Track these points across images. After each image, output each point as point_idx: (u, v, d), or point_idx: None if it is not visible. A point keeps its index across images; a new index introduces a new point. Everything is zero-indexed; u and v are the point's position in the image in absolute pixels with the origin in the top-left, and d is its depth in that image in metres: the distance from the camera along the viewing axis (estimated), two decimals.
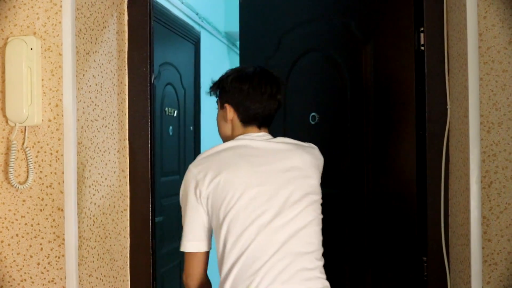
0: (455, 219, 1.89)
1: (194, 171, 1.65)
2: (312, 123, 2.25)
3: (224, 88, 1.77)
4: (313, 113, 2.23)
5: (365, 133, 2.08)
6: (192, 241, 1.66)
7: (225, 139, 1.80)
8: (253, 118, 1.75)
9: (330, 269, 1.66)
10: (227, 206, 1.59)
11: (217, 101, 1.82)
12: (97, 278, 1.87)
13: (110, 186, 1.96)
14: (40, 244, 1.73)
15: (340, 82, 2.17)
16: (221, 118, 1.81)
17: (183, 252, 1.66)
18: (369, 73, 2.10)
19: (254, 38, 2.49)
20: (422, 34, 2.01)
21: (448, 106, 1.93)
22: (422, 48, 2.00)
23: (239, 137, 1.73)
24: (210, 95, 1.85)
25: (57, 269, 1.73)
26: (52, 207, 1.72)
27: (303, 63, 2.32)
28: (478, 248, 1.71)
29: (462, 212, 1.80)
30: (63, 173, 1.72)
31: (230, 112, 1.75)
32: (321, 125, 2.25)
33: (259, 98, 1.73)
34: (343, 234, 2.16)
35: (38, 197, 1.73)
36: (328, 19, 2.30)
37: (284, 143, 1.69)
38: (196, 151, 3.32)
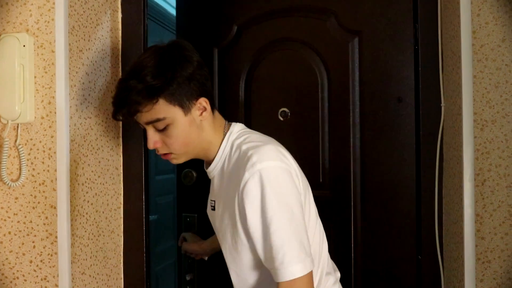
0: (448, 217, 1.89)
1: (288, 161, 1.41)
2: (281, 119, 2.12)
3: (179, 87, 1.44)
4: (283, 109, 2.10)
5: (352, 131, 2.05)
6: (308, 257, 1.36)
7: (196, 149, 1.53)
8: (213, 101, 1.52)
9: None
10: (310, 203, 1.47)
11: (159, 118, 1.45)
12: (90, 276, 1.86)
13: (103, 184, 1.95)
14: (33, 242, 1.73)
15: (319, 76, 2.11)
16: (189, 125, 1.48)
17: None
18: (356, 68, 2.07)
19: (202, 23, 2.29)
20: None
21: (442, 104, 1.93)
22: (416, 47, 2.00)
23: (246, 129, 1.55)
24: (128, 117, 1.49)
25: (50, 266, 1.72)
26: (45, 205, 1.72)
27: (275, 54, 2.17)
28: (471, 246, 1.71)
29: (456, 210, 1.80)
30: (56, 170, 1.71)
31: (207, 105, 1.49)
32: (292, 122, 2.13)
33: (203, 69, 1.48)
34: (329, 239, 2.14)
35: (31, 195, 1.72)
36: (308, 6, 2.15)
37: None
38: None
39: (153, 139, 1.49)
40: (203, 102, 1.49)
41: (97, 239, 1.91)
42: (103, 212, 1.95)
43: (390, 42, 2.02)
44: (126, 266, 2.11)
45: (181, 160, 1.55)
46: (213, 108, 1.53)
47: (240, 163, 1.42)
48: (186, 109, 1.47)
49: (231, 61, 2.18)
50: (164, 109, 1.44)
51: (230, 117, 2.10)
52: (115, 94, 1.49)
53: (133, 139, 2.10)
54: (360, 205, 2.04)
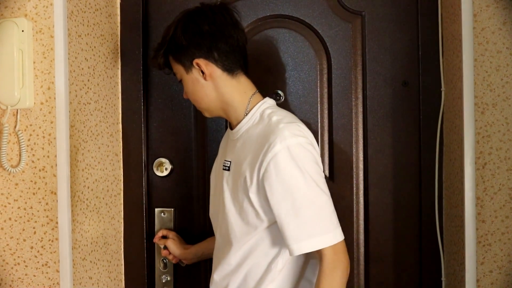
0: (449, 201, 1.90)
1: (309, 138, 1.50)
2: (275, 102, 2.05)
3: (181, 45, 1.55)
4: (278, 91, 1.93)
5: (354, 117, 2.03)
6: (339, 227, 1.48)
7: (212, 107, 1.61)
8: (236, 61, 1.57)
9: None
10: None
11: (172, 73, 1.65)
12: (91, 261, 1.86)
13: (103, 170, 1.95)
14: (33, 228, 1.73)
15: (317, 58, 2.05)
16: (192, 83, 1.58)
17: None
18: (359, 51, 2.04)
19: None
20: None
21: (443, 89, 1.93)
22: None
23: (277, 107, 1.62)
24: (162, 68, 1.65)
25: (51, 252, 1.72)
26: (45, 191, 1.71)
27: (268, 32, 2.07)
28: (472, 229, 1.71)
29: (456, 194, 1.80)
30: (55, 156, 1.70)
31: (205, 68, 1.55)
32: (285, 105, 2.02)
33: (230, 30, 1.56)
34: None
35: (31, 181, 1.72)
36: None
37: None
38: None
39: (184, 89, 1.65)
40: (202, 64, 1.55)
41: (97, 225, 1.91)
42: (103, 198, 1.95)
43: (395, 24, 2.00)
44: (126, 252, 2.12)
45: (207, 114, 1.67)
46: (220, 64, 1.56)
47: (268, 132, 1.48)
48: (186, 68, 1.58)
49: None
50: (174, 65, 1.61)
51: None
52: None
53: (133, 125, 2.09)
54: (363, 191, 2.04)
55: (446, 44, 1.91)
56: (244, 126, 1.60)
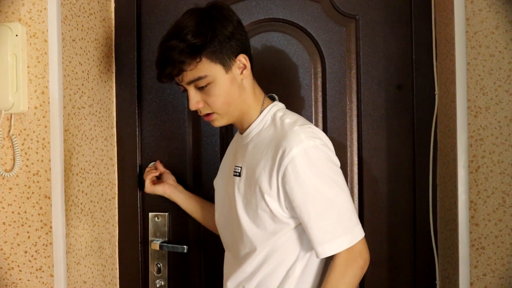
0: (443, 204, 1.90)
1: (323, 139, 1.50)
2: None
3: (220, 45, 1.47)
4: (271, 94, 1.93)
5: (349, 121, 2.04)
6: (359, 224, 1.49)
7: (236, 110, 1.55)
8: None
9: None
10: None
11: (200, 66, 1.47)
12: (85, 266, 1.86)
13: (97, 174, 1.95)
14: (28, 232, 1.72)
15: (311, 62, 2.05)
16: (229, 84, 1.50)
17: None
18: (353, 54, 2.04)
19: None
20: None
21: (436, 92, 1.93)
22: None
23: (287, 110, 1.61)
24: (176, 75, 1.50)
25: (45, 257, 1.72)
26: (39, 195, 1.71)
27: (262, 35, 2.07)
28: (465, 232, 1.71)
29: (450, 197, 1.81)
30: (50, 160, 1.70)
31: (247, 63, 1.52)
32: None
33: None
34: None
35: (25, 185, 1.72)
36: None
37: None
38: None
39: (195, 99, 1.51)
40: (243, 58, 1.52)
41: (92, 229, 1.91)
42: (97, 202, 1.95)
43: (389, 28, 2.00)
44: (121, 257, 2.12)
45: (222, 121, 1.56)
46: (253, 71, 1.57)
47: (283, 135, 1.47)
48: (227, 66, 1.49)
49: None
50: (206, 67, 1.46)
51: None
52: (158, 56, 1.51)
53: (127, 129, 2.09)
54: (357, 195, 2.04)
55: (439, 48, 1.92)
56: (255, 129, 1.58)
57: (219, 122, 1.57)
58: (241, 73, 1.54)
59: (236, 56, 1.51)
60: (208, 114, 1.55)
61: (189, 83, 1.50)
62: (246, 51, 1.54)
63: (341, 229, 1.45)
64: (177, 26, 1.50)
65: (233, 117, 1.58)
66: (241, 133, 1.64)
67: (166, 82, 1.55)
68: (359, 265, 1.47)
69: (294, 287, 1.53)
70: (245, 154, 1.58)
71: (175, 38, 1.46)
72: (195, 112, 1.60)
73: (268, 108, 1.59)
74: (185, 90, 1.54)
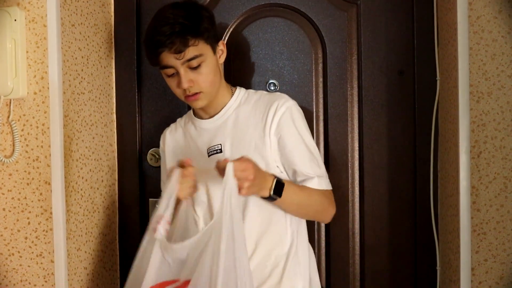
0: (444, 190, 1.90)
1: None
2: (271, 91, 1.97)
3: (210, 28, 1.59)
4: (272, 81, 1.94)
5: (350, 107, 2.03)
6: None
7: (216, 91, 1.63)
8: None
9: None
10: None
11: (198, 47, 1.55)
12: (85, 252, 1.86)
13: (97, 160, 1.94)
14: (28, 218, 1.72)
15: (312, 47, 2.04)
16: (216, 66, 1.61)
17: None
18: (354, 40, 2.03)
19: None
20: None
21: (438, 78, 1.93)
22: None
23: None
24: (178, 52, 1.53)
25: (45, 243, 1.72)
26: (39, 181, 1.71)
27: (263, 21, 2.05)
28: (467, 218, 1.71)
29: (451, 183, 1.80)
30: (49, 146, 1.70)
31: (224, 49, 1.66)
32: None
33: None
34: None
35: (25, 171, 1.71)
36: None
37: None
38: None
39: (187, 77, 1.56)
40: (221, 45, 1.64)
41: (92, 215, 1.91)
42: (97, 188, 1.94)
43: (390, 13, 1.99)
44: (121, 243, 2.11)
45: (205, 101, 1.62)
46: None
47: (269, 99, 1.63)
48: (214, 49, 1.61)
49: None
50: (202, 47, 1.56)
51: None
52: (161, 35, 1.52)
53: (127, 115, 2.09)
54: (358, 181, 2.03)
55: (441, 33, 1.91)
56: (231, 107, 1.67)
57: (202, 102, 1.62)
58: (219, 57, 1.65)
59: (217, 41, 1.63)
60: (194, 94, 1.59)
61: (186, 61, 1.55)
62: (221, 38, 1.69)
63: (323, 172, 1.62)
64: (166, 13, 1.56)
65: (211, 98, 1.63)
66: (210, 117, 1.68)
67: (157, 65, 1.60)
68: (331, 211, 1.64)
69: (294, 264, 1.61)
70: (225, 130, 1.65)
71: (171, 22, 1.53)
72: None
73: (239, 89, 1.71)
74: (172, 75, 1.59)
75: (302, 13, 2.03)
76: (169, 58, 1.54)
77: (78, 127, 1.81)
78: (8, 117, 1.70)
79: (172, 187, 1.52)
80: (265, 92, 1.70)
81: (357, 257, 2.07)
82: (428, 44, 1.96)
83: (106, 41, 2.03)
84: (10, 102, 1.70)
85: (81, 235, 1.84)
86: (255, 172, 1.43)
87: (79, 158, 1.82)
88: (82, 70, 1.85)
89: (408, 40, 2.00)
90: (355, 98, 2.03)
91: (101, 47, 1.98)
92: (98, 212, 1.95)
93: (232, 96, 1.69)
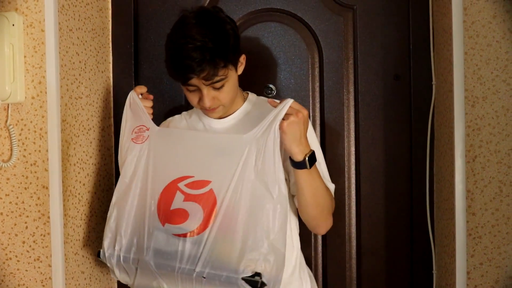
0: (440, 194, 1.91)
1: None
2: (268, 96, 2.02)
3: (236, 45, 1.56)
4: (268, 85, 1.95)
5: (346, 111, 2.04)
6: None
7: (233, 101, 1.65)
8: None
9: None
10: None
11: (226, 69, 1.53)
12: (83, 256, 1.86)
13: (95, 165, 1.95)
14: (25, 223, 1.72)
15: (309, 52, 2.05)
16: (236, 81, 1.62)
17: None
18: (350, 44, 2.04)
19: None
20: None
21: (434, 82, 1.94)
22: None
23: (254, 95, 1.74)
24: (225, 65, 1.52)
25: (43, 247, 1.72)
26: (37, 185, 1.71)
27: (259, 26, 2.07)
28: (462, 222, 1.72)
29: (447, 187, 1.81)
30: (47, 150, 1.70)
31: (244, 62, 1.65)
32: (277, 98, 1.94)
33: None
34: None
35: (23, 175, 1.71)
36: None
37: None
38: None
39: (210, 96, 1.56)
40: (242, 59, 1.63)
41: (89, 220, 1.91)
42: (95, 193, 1.95)
43: (386, 18, 2.00)
44: None
45: (222, 112, 1.64)
46: None
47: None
48: (237, 66, 1.60)
49: None
50: (227, 70, 1.54)
51: None
52: (190, 59, 1.48)
53: None
54: (355, 185, 2.04)
55: (437, 38, 1.92)
56: (243, 111, 1.69)
57: (219, 113, 1.64)
58: (238, 69, 1.63)
59: (240, 56, 1.61)
60: (213, 108, 1.60)
61: (212, 82, 1.53)
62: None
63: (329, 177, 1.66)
64: (192, 31, 1.50)
65: (228, 108, 1.66)
66: (220, 117, 1.68)
67: (189, 86, 1.56)
68: (330, 222, 1.63)
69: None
70: (234, 132, 1.65)
71: (199, 46, 1.47)
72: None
73: (251, 94, 1.74)
74: (194, 90, 1.57)
75: (298, 18, 2.05)
76: (194, 81, 1.52)
77: (75, 131, 1.82)
78: (6, 121, 1.70)
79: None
80: (276, 100, 1.62)
81: (354, 261, 2.07)
82: (423, 48, 1.98)
83: (104, 46, 2.04)
84: (8, 107, 1.70)
85: (79, 240, 1.84)
86: (304, 123, 1.47)
87: (77, 162, 1.83)
88: (79, 74, 1.85)
89: (404, 44, 2.01)
90: (352, 103, 2.05)
91: (98, 52, 1.99)
92: (96, 216, 1.95)
93: (244, 102, 1.71)
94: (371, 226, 2.03)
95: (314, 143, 1.61)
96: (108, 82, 2.07)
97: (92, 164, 1.93)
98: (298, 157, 1.47)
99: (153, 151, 1.61)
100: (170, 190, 1.54)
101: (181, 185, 1.54)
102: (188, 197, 1.52)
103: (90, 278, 1.91)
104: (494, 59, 1.70)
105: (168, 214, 1.53)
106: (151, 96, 1.72)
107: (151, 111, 1.69)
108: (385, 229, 2.04)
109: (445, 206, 1.84)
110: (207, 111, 1.63)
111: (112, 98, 2.09)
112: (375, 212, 2.04)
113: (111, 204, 1.67)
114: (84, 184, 1.87)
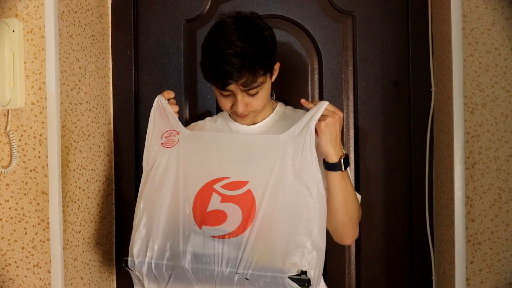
0: (439, 200, 1.91)
1: None
2: None
3: (273, 52, 1.57)
4: None
5: (345, 117, 2.04)
6: None
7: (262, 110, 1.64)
8: None
9: None
10: None
11: (264, 77, 1.53)
12: (82, 262, 1.86)
13: (94, 170, 1.95)
14: (25, 228, 1.72)
15: (308, 59, 2.06)
16: (270, 88, 1.61)
17: None
18: (350, 51, 2.04)
19: None
20: None
21: (433, 89, 1.94)
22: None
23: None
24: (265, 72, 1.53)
25: (42, 253, 1.72)
26: (36, 191, 1.71)
27: None
28: (462, 228, 1.72)
29: (446, 193, 1.81)
30: (47, 156, 1.70)
31: (278, 70, 1.63)
32: None
33: None
34: None
35: (22, 181, 1.72)
36: None
37: None
38: None
39: (244, 102, 1.55)
40: (277, 67, 1.62)
41: (89, 226, 1.91)
42: (94, 199, 1.95)
43: (385, 24, 2.01)
44: (118, 253, 2.12)
45: (253, 118, 1.63)
46: None
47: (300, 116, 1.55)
48: (272, 74, 1.60)
49: (203, 37, 2.12)
50: (265, 77, 1.54)
51: (205, 100, 2.08)
52: (229, 65, 1.46)
53: (124, 126, 2.09)
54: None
55: (436, 45, 1.92)
56: (272, 120, 1.67)
57: (250, 119, 1.64)
58: (272, 77, 1.63)
59: (275, 64, 1.61)
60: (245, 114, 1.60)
61: (248, 89, 1.52)
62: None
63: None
64: (231, 36, 1.48)
65: (258, 114, 1.65)
66: (248, 124, 1.67)
67: (226, 91, 1.54)
68: (357, 232, 1.60)
69: None
70: None
71: (239, 52, 1.46)
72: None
73: (280, 104, 1.73)
74: (227, 95, 1.56)
75: (298, 24, 2.05)
76: (232, 86, 1.51)
77: (75, 137, 1.82)
78: (6, 127, 1.71)
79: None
80: (302, 111, 1.66)
81: (353, 267, 2.07)
82: (423, 55, 1.98)
83: (104, 52, 2.04)
84: (8, 113, 1.70)
85: (78, 245, 1.84)
86: (340, 125, 1.49)
87: (76, 168, 1.83)
88: (79, 80, 1.86)
89: (403, 51, 2.02)
90: (351, 109, 2.05)
91: (98, 58, 2.00)
92: (95, 222, 1.95)
93: (273, 110, 1.69)
94: (370, 232, 2.03)
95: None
96: (108, 88, 2.07)
97: (92, 170, 1.93)
98: (334, 158, 1.48)
99: (184, 154, 1.58)
100: (205, 192, 1.51)
101: (217, 186, 1.51)
102: (225, 198, 1.49)
103: (89, 284, 1.91)
104: (493, 66, 1.71)
105: (205, 216, 1.49)
106: (176, 105, 1.69)
107: (176, 116, 1.66)
108: (384, 235, 2.04)
109: (444, 212, 1.85)
110: (238, 117, 1.62)
111: (112, 104, 2.09)
112: (374, 218, 2.05)
113: (138, 209, 1.60)
114: (83, 190, 1.87)
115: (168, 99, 1.66)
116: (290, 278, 1.40)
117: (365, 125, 2.03)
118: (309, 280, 1.40)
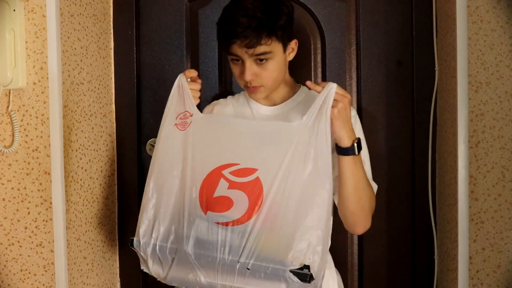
0: (442, 179, 1.91)
1: None
2: None
3: (286, 25, 1.53)
4: None
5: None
6: None
7: (278, 85, 1.62)
8: None
9: None
10: None
11: (270, 40, 1.49)
12: (85, 242, 1.87)
13: (97, 151, 1.95)
14: (27, 208, 1.72)
15: (311, 38, 2.04)
16: (283, 63, 1.57)
17: None
18: (353, 30, 2.02)
19: None
20: None
21: (436, 68, 1.93)
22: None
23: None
24: (252, 47, 1.48)
25: (45, 232, 1.72)
26: (39, 171, 1.71)
27: None
28: (465, 207, 1.72)
29: (450, 172, 1.81)
30: (49, 136, 1.70)
31: (296, 48, 1.61)
32: None
33: None
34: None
35: (24, 161, 1.71)
36: None
37: None
38: None
39: (252, 70, 1.53)
40: (294, 43, 1.60)
41: (91, 205, 1.91)
42: (97, 179, 1.95)
43: (389, 3, 1.99)
44: (120, 232, 2.12)
45: (264, 94, 1.60)
46: None
47: None
48: (285, 47, 1.55)
49: (206, 18, 2.07)
50: (275, 45, 1.51)
51: (207, 79, 2.07)
52: (236, 25, 1.47)
53: (126, 106, 2.09)
54: None
55: (440, 23, 1.91)
56: (293, 102, 1.64)
57: (261, 94, 1.60)
58: (288, 54, 1.60)
59: (291, 40, 1.58)
60: (255, 86, 1.57)
61: (254, 55, 1.50)
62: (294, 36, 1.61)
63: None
64: (247, 2, 1.49)
65: (271, 92, 1.62)
66: (269, 105, 1.66)
67: (225, 50, 1.56)
68: (369, 221, 1.60)
69: None
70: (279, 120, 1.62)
71: (249, 14, 1.47)
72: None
73: (303, 87, 1.69)
74: (238, 62, 1.55)
75: (301, 3, 2.03)
76: (238, 49, 1.49)
77: (77, 117, 1.82)
78: (8, 107, 1.70)
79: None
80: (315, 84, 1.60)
81: (355, 247, 2.08)
82: (426, 34, 1.97)
83: (105, 32, 2.03)
84: (9, 93, 1.70)
85: (81, 225, 1.84)
86: (350, 108, 1.48)
87: (79, 148, 1.82)
88: (81, 60, 1.85)
89: (407, 30, 2.00)
90: (354, 89, 2.04)
91: (100, 37, 1.98)
92: (98, 202, 1.95)
93: (294, 94, 1.66)
94: (374, 213, 2.03)
95: (362, 137, 1.59)
96: (109, 68, 2.06)
97: (94, 150, 1.93)
98: (346, 142, 1.46)
99: (194, 137, 1.56)
100: (213, 177, 1.49)
101: (225, 172, 1.49)
102: (232, 185, 1.46)
103: (92, 263, 1.91)
104: (498, 45, 1.70)
105: (211, 202, 1.47)
106: (199, 80, 1.65)
107: (198, 94, 1.63)
108: (386, 214, 2.04)
109: (447, 191, 1.84)
110: (249, 91, 1.59)
111: (113, 84, 2.08)
112: (376, 197, 2.03)
113: (148, 189, 1.57)
114: (86, 170, 1.87)
115: (190, 78, 1.63)
116: (291, 271, 1.38)
117: (368, 105, 2.02)
118: (311, 275, 1.37)
